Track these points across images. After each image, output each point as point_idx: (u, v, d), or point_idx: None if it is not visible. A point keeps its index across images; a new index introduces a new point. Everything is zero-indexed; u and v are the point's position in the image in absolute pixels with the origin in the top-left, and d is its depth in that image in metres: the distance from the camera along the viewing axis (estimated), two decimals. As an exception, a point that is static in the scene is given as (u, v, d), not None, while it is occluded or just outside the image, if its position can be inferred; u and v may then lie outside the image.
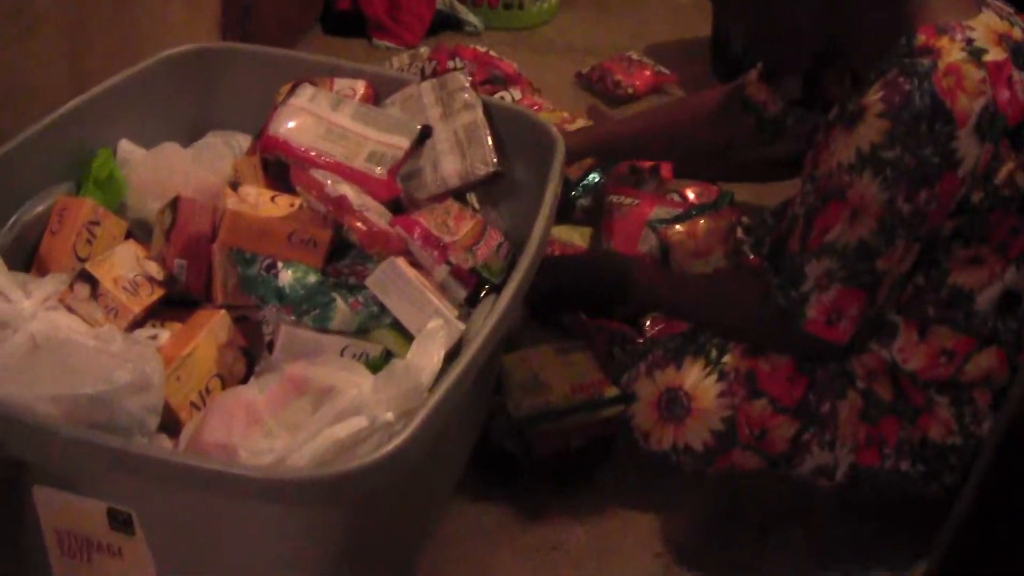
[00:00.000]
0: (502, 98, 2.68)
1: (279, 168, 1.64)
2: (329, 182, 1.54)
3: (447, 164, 1.65)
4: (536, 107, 2.67)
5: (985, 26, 1.47)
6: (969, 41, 1.44)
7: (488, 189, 1.72)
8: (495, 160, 1.67)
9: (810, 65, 1.69)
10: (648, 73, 3.21)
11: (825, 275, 1.51)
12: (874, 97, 1.44)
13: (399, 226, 1.54)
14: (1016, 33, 1.49)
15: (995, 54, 1.44)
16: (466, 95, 1.71)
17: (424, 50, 3.03)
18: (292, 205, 1.57)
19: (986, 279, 1.54)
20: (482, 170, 1.63)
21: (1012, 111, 1.43)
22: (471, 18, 3.50)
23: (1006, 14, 1.52)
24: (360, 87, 1.79)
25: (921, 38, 1.45)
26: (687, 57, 3.44)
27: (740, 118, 1.96)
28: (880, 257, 1.48)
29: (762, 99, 1.92)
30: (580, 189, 2.25)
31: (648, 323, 2.02)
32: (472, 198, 1.73)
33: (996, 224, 1.50)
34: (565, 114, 2.66)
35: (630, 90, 3.15)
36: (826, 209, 1.50)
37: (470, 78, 1.71)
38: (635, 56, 3.30)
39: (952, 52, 1.43)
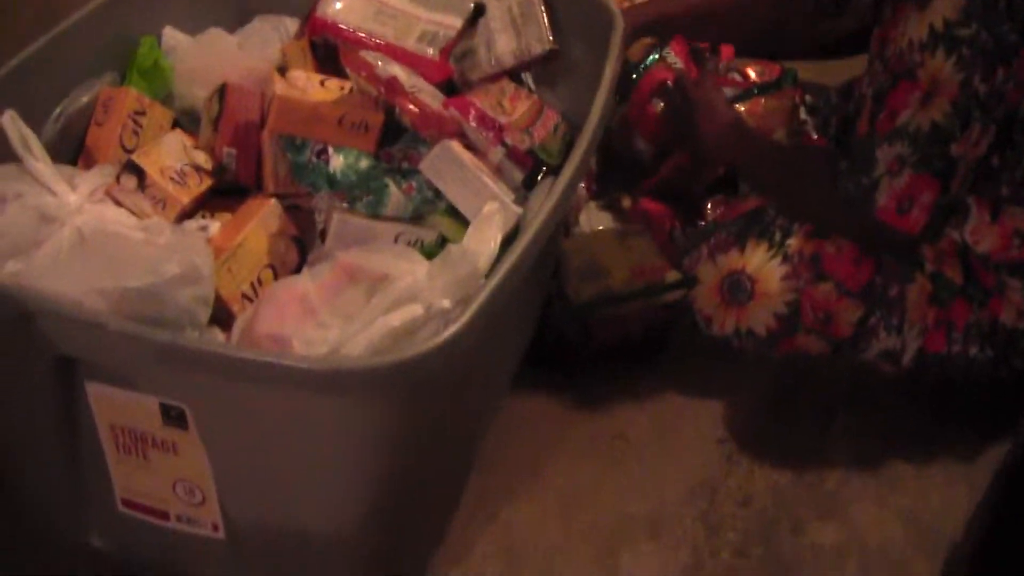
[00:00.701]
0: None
1: (328, 51, 1.59)
2: (380, 63, 1.50)
3: (501, 43, 1.60)
4: None
5: None
6: None
7: (544, 68, 1.67)
8: (551, 38, 1.62)
9: None
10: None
11: (896, 160, 1.45)
12: None
13: (453, 107, 1.49)
14: None
15: None
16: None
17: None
18: (342, 88, 1.52)
19: None
20: (537, 48, 1.58)
21: None
22: None
23: None
24: (411, -34, 1.71)
25: None
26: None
27: None
28: (955, 141, 1.43)
29: None
30: (641, 70, 2.17)
31: (710, 205, 1.96)
32: (528, 78, 1.68)
33: None
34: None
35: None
36: (896, 90, 1.44)
37: None
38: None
39: None
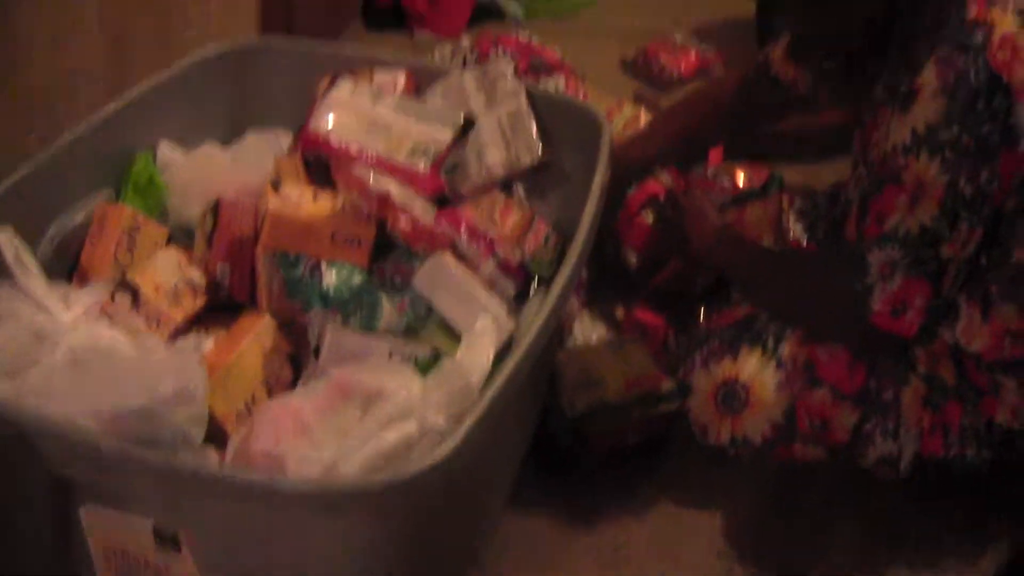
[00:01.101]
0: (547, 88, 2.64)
1: (320, 165, 1.61)
2: (371, 178, 1.51)
3: (491, 154, 1.62)
4: (581, 94, 2.62)
5: None
6: (1021, 11, 1.40)
7: (534, 179, 1.68)
8: (540, 148, 1.64)
9: (862, 42, 1.62)
10: (693, 55, 3.15)
11: (888, 264, 1.45)
12: (927, 76, 1.40)
13: (444, 221, 1.50)
14: None
15: None
16: (509, 83, 1.68)
17: (466, 42, 2.99)
18: (335, 203, 1.53)
19: None
20: (527, 159, 1.60)
21: None
22: (512, 7, 3.44)
23: None
24: (400, 79, 1.76)
25: (972, 10, 1.41)
26: (732, 37, 3.38)
27: (769, 96, 1.91)
28: (944, 243, 1.43)
29: (791, 77, 1.86)
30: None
31: (703, 313, 1.97)
32: (519, 189, 1.69)
33: None
34: (611, 100, 2.60)
35: (675, 73, 3.09)
36: (881, 194, 1.45)
37: (513, 65, 1.66)
38: (679, 39, 3.24)
39: (1005, 23, 1.39)
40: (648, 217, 2.00)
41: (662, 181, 2.02)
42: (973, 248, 1.47)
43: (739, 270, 1.76)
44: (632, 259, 2.04)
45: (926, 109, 1.39)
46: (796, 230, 2.05)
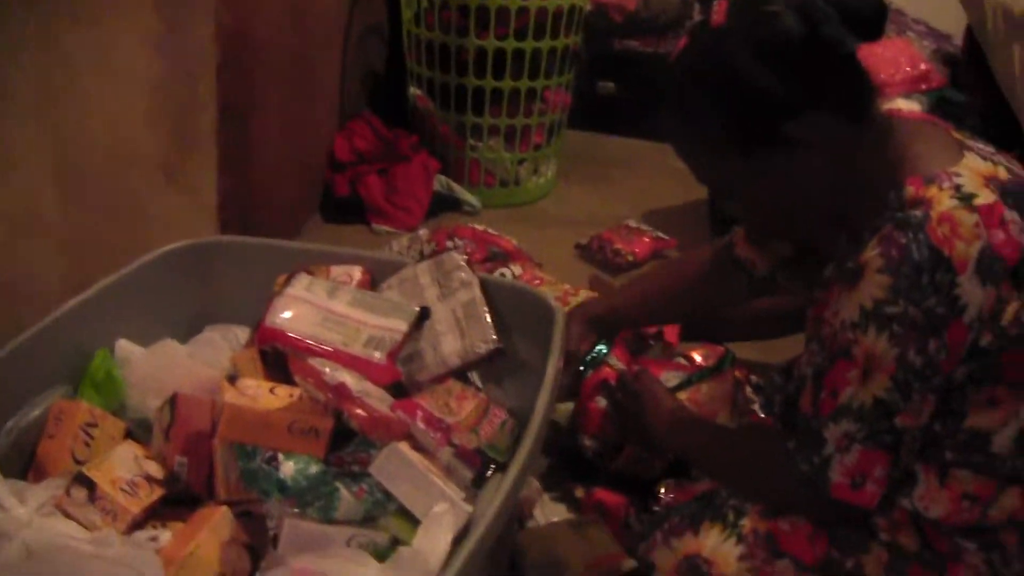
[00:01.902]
0: (502, 275, 2.71)
1: (278, 359, 1.64)
2: (327, 370, 1.54)
3: (447, 344, 1.65)
4: (537, 281, 2.68)
5: (970, 170, 1.46)
6: (958, 187, 1.43)
7: (490, 366, 1.70)
8: (495, 337, 1.67)
9: (809, 233, 1.67)
10: (647, 240, 3.24)
11: (845, 437, 1.47)
12: (872, 253, 1.43)
13: (400, 410, 1.52)
14: (1001, 173, 1.48)
15: (984, 197, 1.43)
16: (463, 274, 1.72)
17: (423, 232, 3.06)
18: (292, 395, 1.56)
19: (1002, 420, 1.50)
20: (482, 348, 1.63)
21: (1009, 251, 1.42)
22: (469, 198, 3.53)
23: (988, 154, 1.52)
24: (356, 273, 1.80)
25: (910, 190, 1.45)
26: (685, 221, 3.48)
27: (732, 276, 1.97)
28: (899, 414, 1.45)
29: (751, 258, 1.92)
30: (588, 362, 2.23)
31: (663, 490, 1.98)
32: (474, 376, 1.71)
33: (1008, 364, 1.47)
34: (567, 286, 2.66)
35: (630, 258, 3.16)
36: (834, 368, 1.47)
37: (466, 257, 1.70)
38: (633, 224, 3.34)
39: (943, 200, 1.42)
40: (601, 402, 2.03)
41: (614, 366, 2.06)
42: (927, 416, 1.49)
43: (696, 452, 1.79)
44: (588, 444, 2.06)
45: (872, 285, 1.42)
46: (755, 404, 2.07)
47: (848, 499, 1.49)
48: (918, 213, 1.42)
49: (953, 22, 3.92)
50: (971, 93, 3.58)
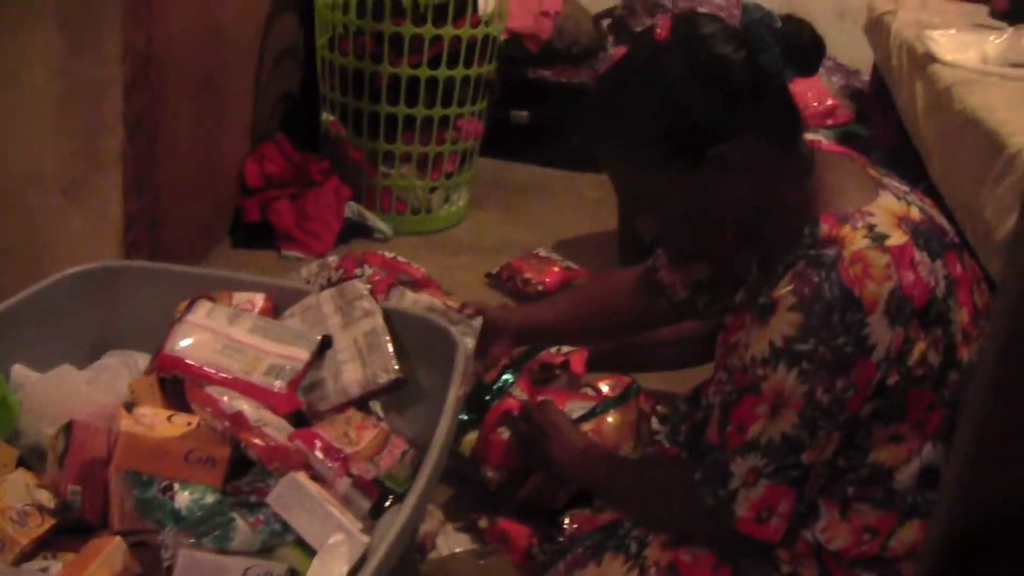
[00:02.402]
0: (415, 301, 2.67)
1: (176, 386, 1.62)
2: (225, 398, 1.52)
3: (348, 373, 1.64)
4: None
5: (884, 210, 1.48)
6: (871, 227, 1.45)
7: (392, 396, 1.70)
8: (396, 367, 1.67)
9: (724, 254, 1.68)
10: (557, 269, 3.25)
11: (752, 472, 1.48)
12: (784, 290, 1.44)
13: (299, 440, 1.51)
14: (914, 213, 1.50)
15: (896, 238, 1.45)
16: (365, 303, 1.71)
17: (333, 259, 3.04)
18: (189, 424, 1.54)
19: (905, 456, 1.52)
20: (384, 378, 1.62)
21: (918, 293, 1.44)
22: (380, 225, 3.53)
23: (903, 194, 1.53)
24: (259, 300, 1.79)
25: (824, 228, 1.46)
26: (595, 250, 3.52)
27: (653, 299, 1.98)
28: (805, 450, 1.47)
29: (671, 282, 1.94)
30: (494, 391, 2.24)
31: (567, 520, 1.99)
32: (376, 406, 1.71)
33: (913, 402, 1.49)
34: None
35: (540, 287, 3.17)
36: (741, 403, 1.48)
37: (369, 286, 1.70)
38: (543, 253, 3.36)
39: (855, 240, 1.44)
40: (504, 433, 2.03)
41: (517, 396, 2.07)
42: (831, 452, 1.49)
43: (599, 483, 1.80)
44: (491, 476, 2.06)
45: (783, 322, 1.44)
46: (660, 434, 2.09)
47: (753, 533, 1.50)
48: (831, 252, 1.43)
49: (862, 58, 4.02)
50: (876, 128, 3.66)
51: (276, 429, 1.53)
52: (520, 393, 2.11)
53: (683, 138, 1.49)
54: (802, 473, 1.48)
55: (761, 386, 1.46)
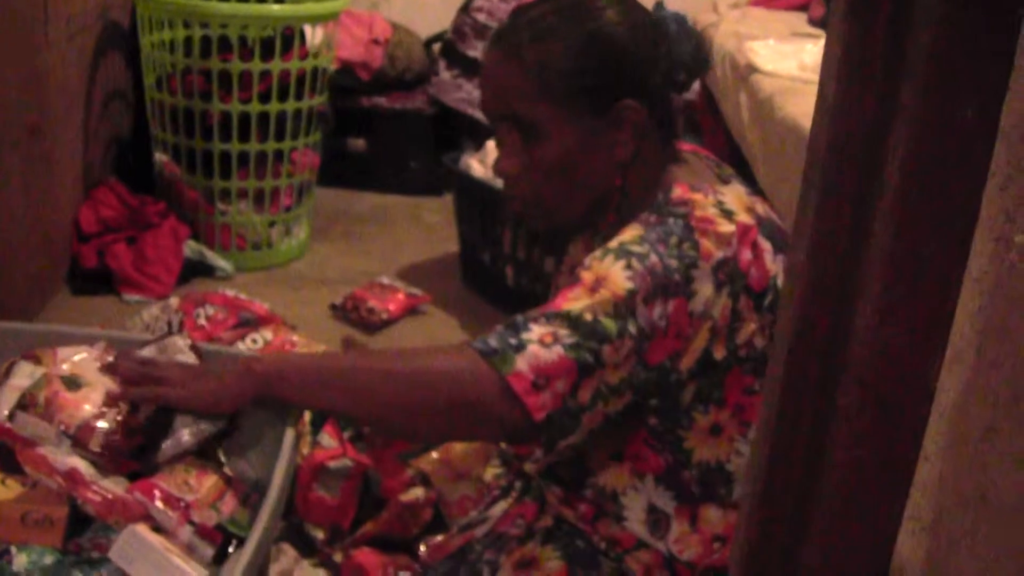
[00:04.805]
0: (253, 341, 2.68)
1: (4, 451, 1.56)
2: (57, 456, 1.49)
3: (179, 424, 1.60)
4: (289, 345, 2.66)
5: (734, 194, 1.52)
6: (720, 203, 1.49)
7: (232, 439, 1.68)
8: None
9: (578, 212, 1.61)
10: (401, 297, 3.28)
11: (552, 336, 1.42)
12: (629, 227, 1.49)
13: (137, 491, 1.49)
14: (760, 208, 1.54)
15: (743, 217, 1.48)
16: (186, 357, 1.67)
17: (174, 300, 3.00)
18: (24, 485, 1.51)
19: (727, 448, 1.55)
20: (212, 427, 1.58)
21: (757, 275, 1.47)
22: (221, 262, 3.50)
23: (750, 192, 1.58)
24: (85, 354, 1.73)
25: (677, 191, 1.50)
26: (439, 275, 3.55)
27: None
28: (608, 343, 1.42)
29: None
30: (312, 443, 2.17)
31: (422, 548, 2.00)
32: (219, 451, 1.68)
33: (731, 384, 1.52)
34: (322, 347, 2.65)
35: (384, 315, 3.19)
36: (561, 293, 1.47)
37: (190, 341, 1.67)
38: (387, 281, 3.37)
39: (705, 206, 1.48)
40: (321, 490, 2.00)
41: (327, 446, 2.03)
42: (621, 398, 1.46)
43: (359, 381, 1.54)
44: (316, 535, 2.05)
45: (622, 234, 1.47)
46: (521, 457, 2.08)
47: (521, 394, 1.41)
48: (681, 209, 1.48)
49: (689, 70, 4.09)
50: (707, 139, 3.74)
51: (113, 483, 1.50)
52: (330, 441, 2.07)
53: (606, 81, 1.52)
54: (596, 363, 1.42)
55: (583, 275, 1.46)
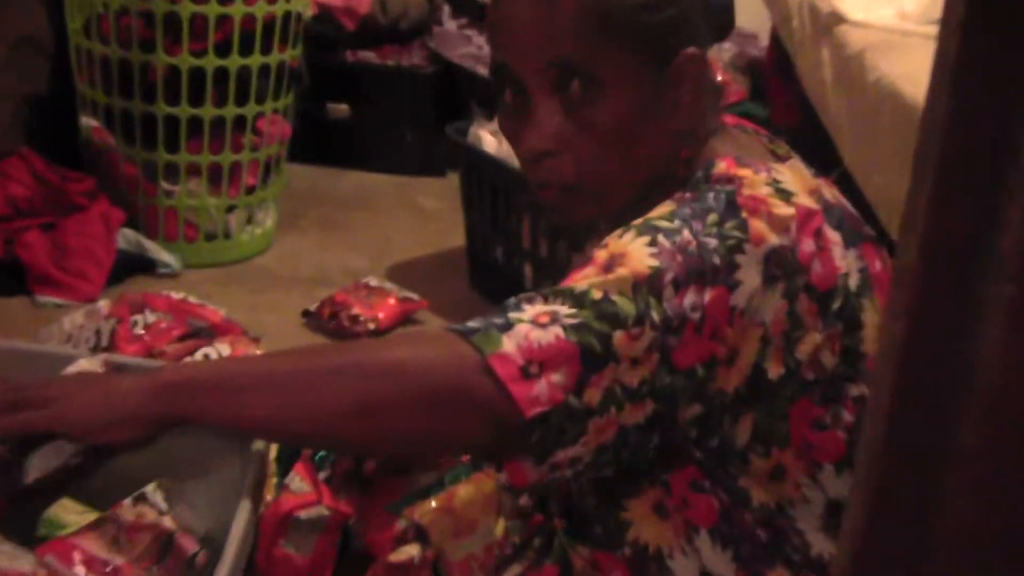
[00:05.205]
0: (205, 356, 2.66)
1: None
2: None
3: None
4: None
5: (794, 173, 1.50)
6: (776, 181, 1.46)
7: (177, 484, 1.67)
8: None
9: (631, 190, 1.59)
10: (392, 302, 3.27)
11: (549, 314, 1.36)
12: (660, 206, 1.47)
13: (51, 555, 1.47)
14: (826, 192, 1.51)
15: (805, 200, 1.46)
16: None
17: (103, 304, 2.96)
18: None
19: (793, 493, 1.53)
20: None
21: (821, 271, 1.44)
22: (165, 256, 3.52)
23: (815, 174, 1.55)
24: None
25: (721, 165, 1.48)
26: (440, 274, 3.57)
27: None
28: (622, 329, 1.36)
29: None
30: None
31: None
32: (158, 496, 1.67)
33: (797, 419, 1.48)
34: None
35: (371, 325, 3.19)
36: (572, 274, 1.42)
37: (103, 369, 1.65)
38: (375, 282, 3.37)
39: (757, 184, 1.45)
40: (289, 547, 1.99)
41: (297, 491, 2.02)
42: (642, 409, 1.40)
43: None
44: None
45: (648, 216, 1.43)
46: (522, 499, 2.09)
47: (506, 381, 1.34)
48: (727, 187, 1.45)
49: (758, 19, 4.06)
50: (776, 107, 3.73)
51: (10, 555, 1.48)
52: (301, 484, 2.05)
53: (674, 20, 1.50)
54: (605, 354, 1.36)
55: (596, 254, 1.42)
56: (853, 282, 1.46)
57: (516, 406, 1.32)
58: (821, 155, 2.92)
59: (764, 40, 4.07)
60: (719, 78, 2.99)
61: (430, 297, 3.34)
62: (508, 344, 1.34)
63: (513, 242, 3.30)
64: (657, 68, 1.51)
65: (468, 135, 3.45)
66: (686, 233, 1.39)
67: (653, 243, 1.39)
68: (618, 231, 1.43)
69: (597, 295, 1.36)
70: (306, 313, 3.29)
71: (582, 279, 1.38)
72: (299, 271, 3.62)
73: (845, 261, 1.46)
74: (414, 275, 3.53)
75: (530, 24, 1.50)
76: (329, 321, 3.23)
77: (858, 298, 1.46)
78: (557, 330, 1.34)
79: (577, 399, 1.35)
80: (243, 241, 3.70)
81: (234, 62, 3.47)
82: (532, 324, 1.35)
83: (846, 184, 2.52)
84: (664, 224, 1.40)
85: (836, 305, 1.45)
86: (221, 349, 2.71)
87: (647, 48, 1.50)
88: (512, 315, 1.36)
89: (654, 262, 1.37)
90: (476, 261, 3.49)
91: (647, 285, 1.36)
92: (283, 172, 3.82)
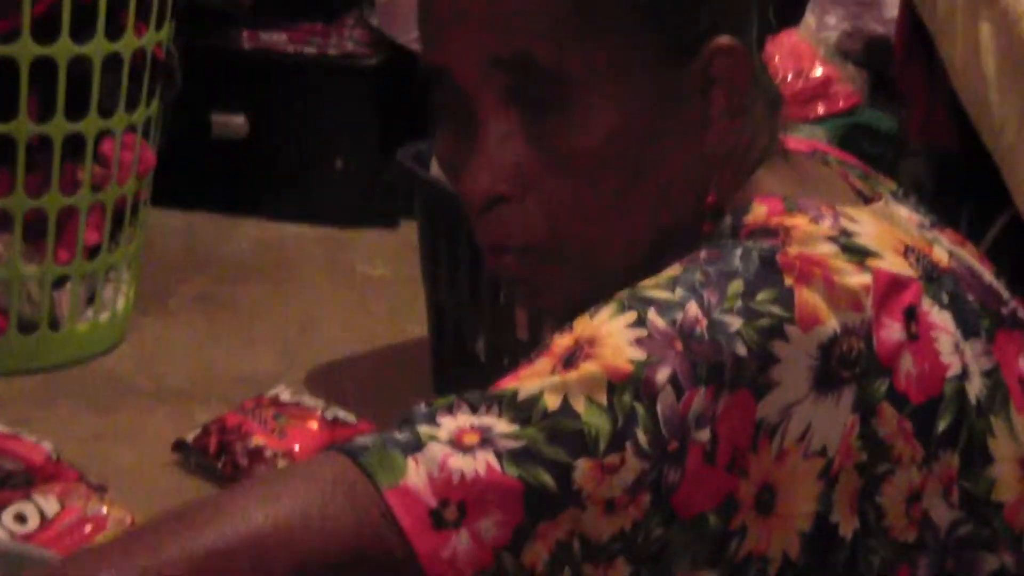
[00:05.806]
0: (19, 519, 2.65)
1: None
2: None
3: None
4: (93, 524, 2.68)
5: (880, 219, 1.46)
6: (845, 232, 1.40)
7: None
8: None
9: (644, 234, 1.55)
10: (315, 425, 3.24)
11: (479, 432, 1.30)
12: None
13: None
14: (939, 255, 1.46)
15: (892, 262, 1.39)
16: None
17: None
18: None
19: None
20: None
21: (918, 374, 1.37)
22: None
23: (926, 225, 1.51)
24: None
25: (760, 210, 1.43)
26: (388, 380, 3.55)
27: None
28: (589, 457, 1.30)
29: None
30: None
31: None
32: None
33: None
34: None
35: (283, 462, 3.11)
36: (518, 370, 1.36)
37: None
38: (288, 396, 3.32)
39: (813, 238, 1.39)
40: None
41: None
42: (625, 534, 1.34)
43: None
44: None
45: (639, 283, 1.38)
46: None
47: (407, 528, 1.29)
48: (764, 244, 1.39)
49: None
50: (912, 115, 3.78)
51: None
52: None
53: (686, 13, 1.46)
54: (559, 494, 1.31)
55: (554, 341, 1.36)
56: (974, 390, 1.39)
57: (420, 568, 1.28)
58: (985, 191, 3.02)
59: (891, 9, 4.00)
60: (818, 70, 2.98)
61: (375, 417, 3.24)
62: (414, 473, 1.28)
63: (502, 330, 3.25)
64: (668, 66, 1.45)
65: (431, 163, 3.38)
66: (693, 308, 1.34)
67: (640, 322, 1.32)
68: (599, 306, 1.37)
69: (552, 403, 1.30)
70: (179, 445, 3.21)
71: (530, 378, 1.31)
72: (167, 379, 3.58)
73: (958, 356, 1.38)
74: (349, 383, 3.53)
75: (473, 6, 1.45)
76: (215, 458, 3.15)
77: (984, 414, 1.39)
78: (488, 457, 1.29)
79: (514, 559, 1.30)
80: (80, 333, 3.66)
81: (63, 49, 3.40)
82: (451, 446, 1.28)
83: (1018, 235, 2.62)
84: (659, 295, 1.35)
85: (943, 425, 1.37)
86: (44, 505, 2.72)
87: (651, 34, 1.45)
88: (423, 429, 1.28)
89: (638, 353, 1.31)
90: (445, 360, 3.45)
91: (630, 387, 1.30)
92: (143, 223, 3.75)
